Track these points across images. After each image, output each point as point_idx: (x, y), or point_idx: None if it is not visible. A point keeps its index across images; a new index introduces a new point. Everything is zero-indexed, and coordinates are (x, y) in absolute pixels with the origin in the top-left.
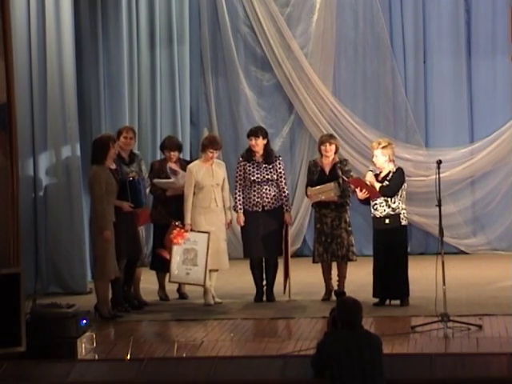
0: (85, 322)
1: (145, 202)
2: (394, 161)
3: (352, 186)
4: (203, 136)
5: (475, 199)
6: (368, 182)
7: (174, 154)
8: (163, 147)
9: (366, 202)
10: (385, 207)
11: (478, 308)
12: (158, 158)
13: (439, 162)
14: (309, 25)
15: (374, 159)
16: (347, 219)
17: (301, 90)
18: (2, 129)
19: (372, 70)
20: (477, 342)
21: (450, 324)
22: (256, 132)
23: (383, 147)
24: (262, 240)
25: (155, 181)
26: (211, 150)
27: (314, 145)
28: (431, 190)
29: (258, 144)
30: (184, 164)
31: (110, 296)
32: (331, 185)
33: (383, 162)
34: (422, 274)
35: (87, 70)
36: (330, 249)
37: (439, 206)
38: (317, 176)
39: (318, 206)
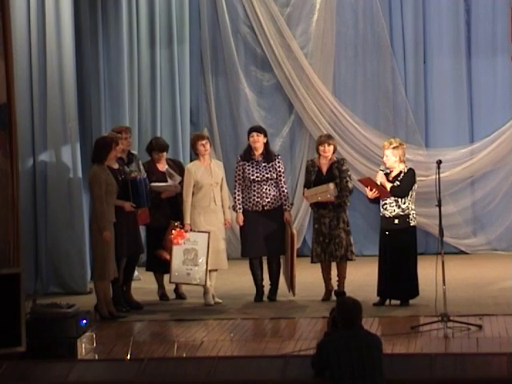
0: (85, 321)
1: (146, 201)
2: (404, 161)
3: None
4: None
5: (475, 199)
6: (379, 182)
7: (163, 155)
8: (151, 149)
9: (376, 201)
10: (394, 207)
11: (478, 308)
12: None
13: (439, 162)
14: (309, 25)
15: (384, 159)
16: (345, 219)
17: (301, 90)
18: (2, 129)
19: (372, 70)
20: (477, 342)
21: (450, 324)
22: (258, 129)
23: (394, 147)
24: (262, 239)
25: (152, 185)
26: (201, 143)
27: (314, 145)
28: (431, 190)
29: (259, 140)
30: (171, 163)
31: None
32: (327, 186)
33: (393, 162)
34: (422, 273)
35: (87, 69)
36: (328, 249)
37: (439, 206)
38: (314, 176)
39: (316, 206)
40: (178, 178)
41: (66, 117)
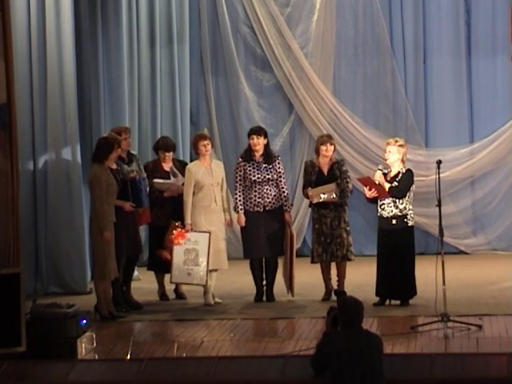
0: (85, 321)
1: (146, 201)
2: (405, 162)
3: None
4: None
5: (475, 199)
6: (377, 182)
7: (169, 155)
8: (157, 148)
9: (374, 201)
10: (392, 207)
11: (478, 308)
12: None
13: (439, 162)
14: (309, 25)
15: (386, 155)
16: (346, 219)
17: (301, 90)
18: (2, 129)
19: (372, 70)
20: (477, 342)
21: (450, 324)
22: (257, 131)
23: (400, 145)
24: (263, 240)
25: (155, 181)
26: (202, 143)
27: (314, 145)
28: (431, 189)
29: (259, 143)
30: (177, 164)
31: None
32: (332, 185)
33: (395, 159)
34: (422, 274)
35: (87, 69)
36: (329, 249)
37: (439, 206)
38: (315, 177)
39: (317, 206)
40: (182, 179)
41: (66, 117)
